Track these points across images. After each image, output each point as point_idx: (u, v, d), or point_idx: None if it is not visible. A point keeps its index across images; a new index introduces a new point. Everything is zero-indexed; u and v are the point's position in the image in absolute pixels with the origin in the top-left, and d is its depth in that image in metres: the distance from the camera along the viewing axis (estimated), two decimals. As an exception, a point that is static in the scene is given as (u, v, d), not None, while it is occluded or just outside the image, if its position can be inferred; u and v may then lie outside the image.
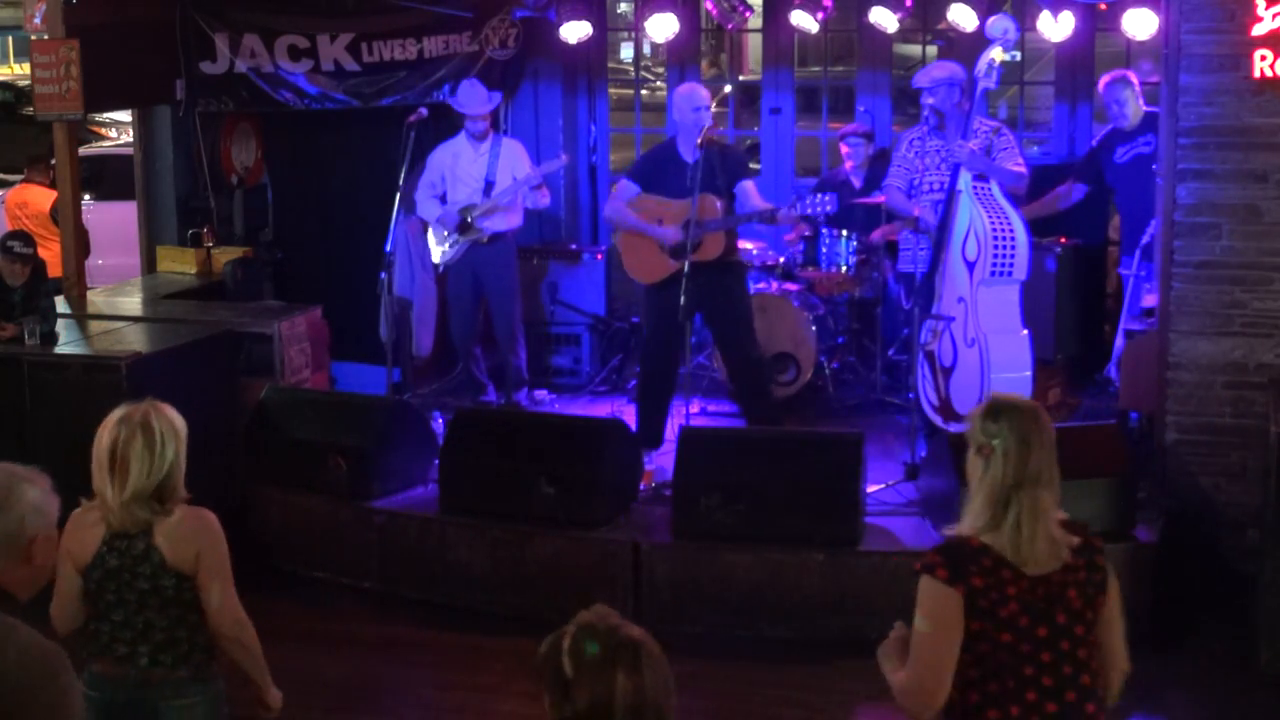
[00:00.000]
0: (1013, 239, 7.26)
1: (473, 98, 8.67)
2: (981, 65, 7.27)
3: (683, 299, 7.32)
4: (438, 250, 8.78)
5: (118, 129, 17.15)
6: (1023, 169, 7.58)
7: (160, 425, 3.87)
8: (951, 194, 7.34)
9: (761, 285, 8.85)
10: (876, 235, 8.83)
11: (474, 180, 8.62)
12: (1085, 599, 3.37)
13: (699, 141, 7.55)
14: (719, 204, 7.57)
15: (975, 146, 7.35)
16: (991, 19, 7.49)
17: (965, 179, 7.30)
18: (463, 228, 8.60)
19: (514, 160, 8.66)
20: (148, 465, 3.84)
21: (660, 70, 15.01)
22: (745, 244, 8.81)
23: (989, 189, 7.35)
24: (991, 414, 3.38)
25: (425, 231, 9.07)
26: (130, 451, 3.83)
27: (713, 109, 7.96)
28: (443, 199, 8.74)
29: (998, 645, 3.29)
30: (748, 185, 7.64)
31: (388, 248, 8.16)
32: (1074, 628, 3.34)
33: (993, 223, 7.24)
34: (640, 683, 2.51)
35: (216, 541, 3.94)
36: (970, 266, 7.29)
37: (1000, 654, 3.29)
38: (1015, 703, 3.30)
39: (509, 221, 8.71)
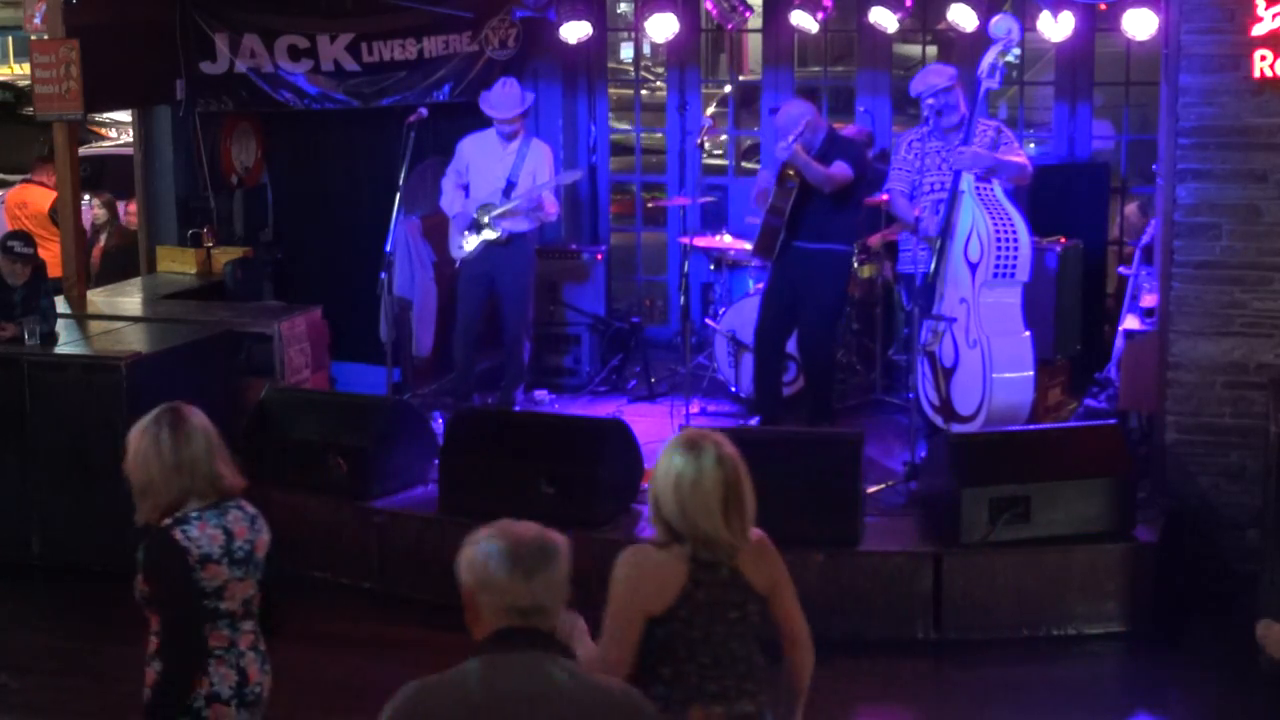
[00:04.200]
0: (1015, 240, 7.26)
1: (505, 100, 8.47)
2: (985, 65, 7.27)
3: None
4: (462, 245, 8.64)
5: (118, 129, 17.14)
6: (1025, 160, 7.59)
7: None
8: (954, 195, 7.34)
9: (761, 285, 8.85)
10: (875, 239, 8.84)
11: (496, 179, 8.50)
12: None
13: (698, 142, 8.18)
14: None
15: (977, 148, 7.35)
16: (995, 19, 7.50)
17: (968, 180, 7.29)
18: (477, 226, 8.54)
19: (538, 163, 8.53)
20: (753, 495, 3.72)
21: (660, 70, 15.00)
22: (745, 244, 8.83)
23: (991, 190, 7.35)
24: None
25: (422, 232, 9.05)
26: (744, 486, 3.66)
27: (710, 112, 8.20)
28: (467, 189, 8.65)
29: None
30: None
31: (388, 248, 8.15)
32: None
33: (995, 224, 7.24)
34: None
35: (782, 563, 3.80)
36: (973, 268, 7.29)
37: None
38: None
39: (528, 222, 8.62)
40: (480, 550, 2.96)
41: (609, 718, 2.87)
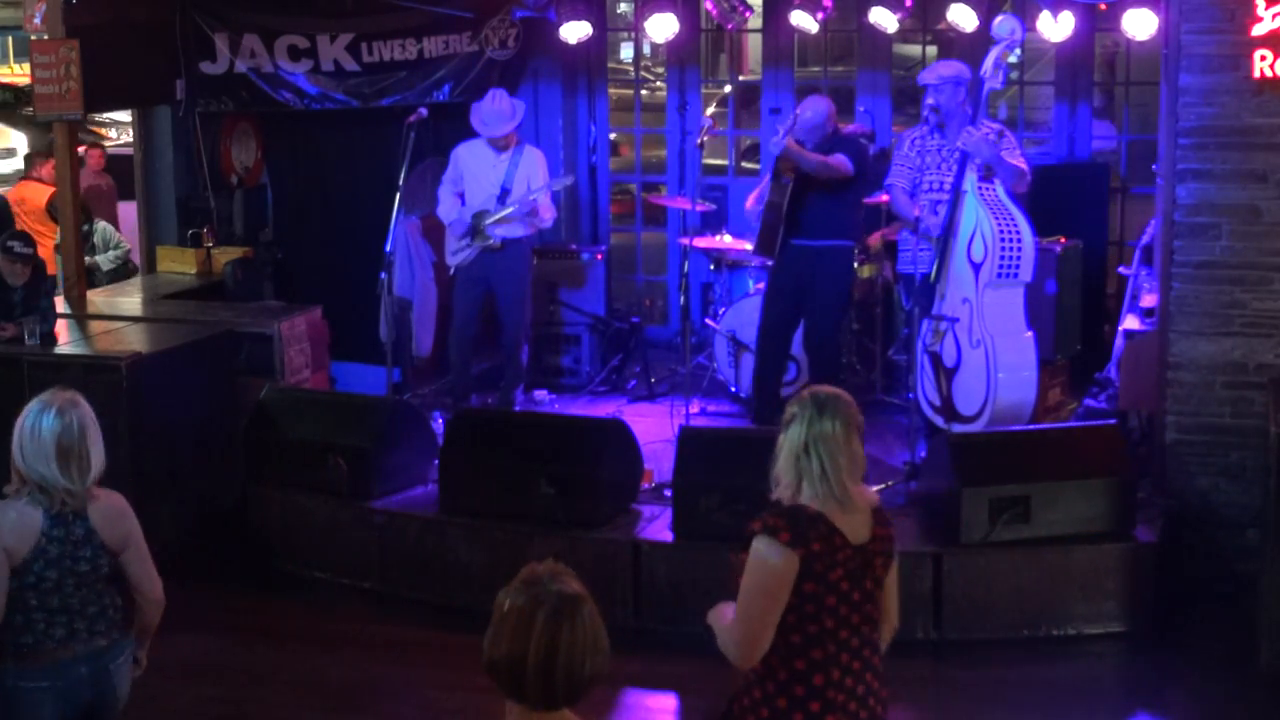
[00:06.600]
0: (1019, 241, 7.26)
1: (495, 118, 8.40)
2: (988, 65, 7.27)
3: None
4: (458, 252, 8.63)
5: (118, 129, 17.14)
6: (1024, 166, 7.58)
7: (89, 410, 4.15)
8: (956, 194, 7.33)
9: (761, 285, 8.86)
10: (875, 238, 8.84)
11: (490, 186, 8.49)
12: (883, 566, 3.77)
13: (698, 142, 8.22)
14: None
15: (983, 135, 7.34)
16: (998, 19, 7.50)
17: (970, 179, 7.29)
18: (474, 233, 8.53)
19: (532, 169, 8.52)
20: (100, 449, 4.11)
21: (660, 70, 15.00)
22: (745, 244, 8.83)
23: (994, 190, 7.35)
24: (797, 399, 3.78)
25: (422, 232, 9.03)
26: (88, 438, 4.07)
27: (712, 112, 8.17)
28: (463, 197, 8.66)
29: (822, 606, 3.62)
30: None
31: (388, 248, 8.14)
32: (875, 592, 3.74)
33: (999, 224, 7.24)
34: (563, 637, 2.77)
35: (134, 519, 4.27)
36: (976, 268, 7.29)
37: (823, 613, 3.63)
38: (822, 653, 3.66)
39: (523, 228, 8.62)
40: None
41: None
